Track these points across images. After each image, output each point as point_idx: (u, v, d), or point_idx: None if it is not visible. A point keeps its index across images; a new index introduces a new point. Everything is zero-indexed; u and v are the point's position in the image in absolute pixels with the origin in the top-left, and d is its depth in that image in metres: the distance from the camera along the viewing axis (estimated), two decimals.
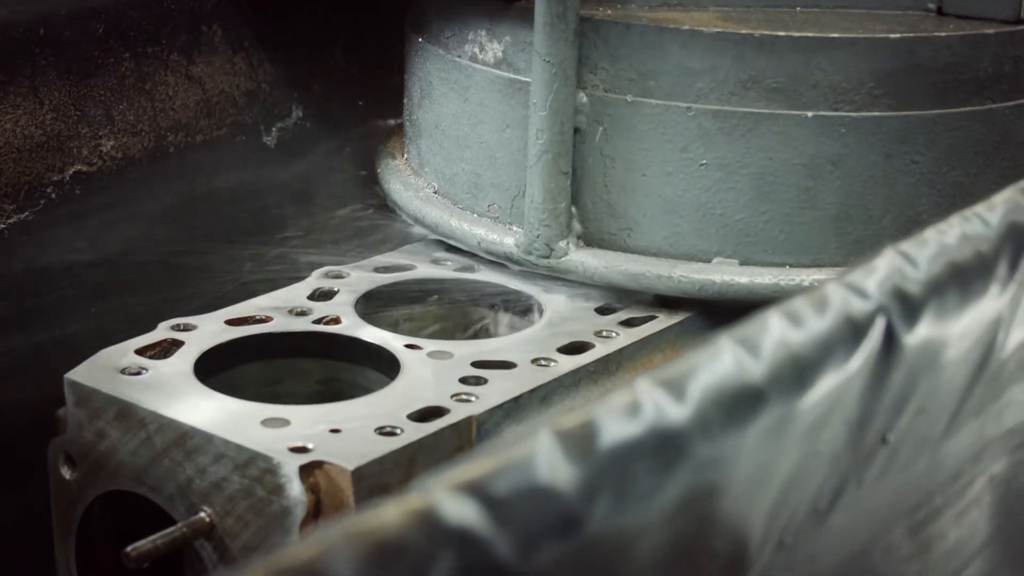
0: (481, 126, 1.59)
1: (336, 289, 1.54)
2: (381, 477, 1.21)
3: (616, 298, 1.55)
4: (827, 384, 0.85)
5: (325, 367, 1.46)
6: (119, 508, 1.35)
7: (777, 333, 0.83)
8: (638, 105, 1.49)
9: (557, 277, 1.56)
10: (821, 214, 1.50)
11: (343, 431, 1.24)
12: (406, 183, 1.70)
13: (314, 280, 1.56)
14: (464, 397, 1.32)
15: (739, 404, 0.78)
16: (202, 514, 1.26)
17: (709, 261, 1.52)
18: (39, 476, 1.37)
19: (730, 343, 0.80)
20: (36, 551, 1.42)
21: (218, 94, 1.75)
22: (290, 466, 1.20)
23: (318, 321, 1.47)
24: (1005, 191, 1.07)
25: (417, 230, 1.68)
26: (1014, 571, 1.25)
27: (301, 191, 1.82)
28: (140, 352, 1.38)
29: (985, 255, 1.01)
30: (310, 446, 1.21)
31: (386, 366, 1.40)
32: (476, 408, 1.30)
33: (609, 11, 1.52)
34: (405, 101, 1.74)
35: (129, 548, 1.21)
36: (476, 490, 0.65)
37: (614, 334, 1.47)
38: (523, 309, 1.57)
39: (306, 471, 1.19)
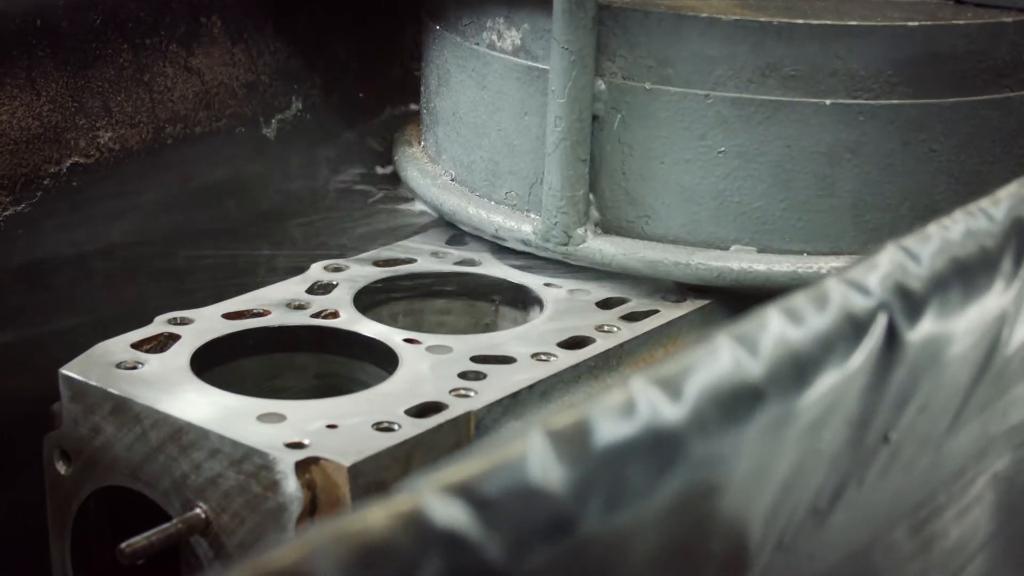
0: (499, 114, 1.59)
1: (335, 282, 1.52)
2: (378, 473, 1.20)
3: (619, 290, 1.54)
4: (827, 382, 0.84)
5: (323, 361, 1.45)
6: (115, 503, 1.33)
7: (776, 331, 0.81)
8: (656, 92, 1.50)
9: (567, 266, 1.56)
10: (839, 202, 1.51)
11: (340, 427, 1.23)
12: (423, 170, 1.70)
13: (313, 273, 1.54)
14: (463, 392, 1.31)
15: (737, 403, 0.77)
16: (197, 510, 1.25)
17: (727, 249, 1.52)
18: (34, 471, 1.35)
19: (728, 341, 0.79)
20: (31, 547, 1.40)
21: (217, 86, 1.74)
22: (286, 462, 1.18)
23: (316, 315, 1.46)
24: (1010, 185, 1.06)
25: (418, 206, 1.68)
26: (1016, 569, 1.24)
27: (302, 185, 1.80)
28: (136, 346, 1.37)
29: (989, 250, 1.00)
30: (306, 442, 1.20)
31: (384, 360, 1.39)
32: (475, 404, 1.29)
33: None
34: (422, 89, 1.74)
35: (123, 544, 1.20)
36: (465, 491, 0.63)
37: (615, 329, 1.46)
38: (524, 303, 1.56)
39: (302, 467, 1.18)
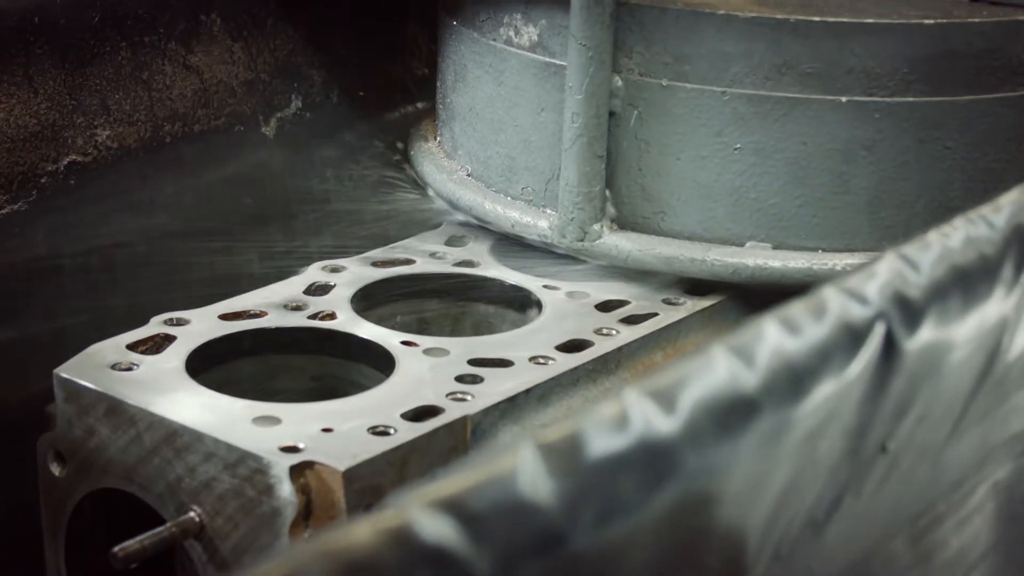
0: (516, 109, 1.60)
1: (333, 283, 1.51)
2: (373, 478, 1.19)
3: (618, 292, 1.53)
4: (824, 392, 0.83)
5: (320, 363, 1.44)
6: (110, 506, 1.33)
7: (772, 341, 0.80)
8: (673, 89, 1.50)
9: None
10: (854, 199, 1.51)
11: (335, 430, 1.22)
12: (439, 166, 1.71)
13: (311, 274, 1.53)
14: (460, 396, 1.30)
15: (731, 415, 0.76)
16: (192, 514, 1.24)
17: (742, 245, 1.53)
18: (30, 472, 1.35)
19: (724, 352, 0.78)
20: (26, 549, 1.40)
21: (216, 84, 1.73)
22: (280, 466, 1.17)
23: (314, 316, 1.45)
24: (1011, 192, 1.05)
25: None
26: None
27: (300, 183, 1.80)
28: (131, 347, 1.36)
29: (989, 258, 0.99)
30: (301, 445, 1.19)
31: (381, 363, 1.38)
32: (471, 408, 1.28)
33: None
34: (438, 84, 1.75)
35: (116, 548, 1.19)
36: (453, 506, 0.62)
37: (614, 331, 1.45)
38: (523, 305, 1.55)
39: (296, 471, 1.17)
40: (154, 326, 1.40)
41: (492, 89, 1.62)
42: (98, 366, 1.32)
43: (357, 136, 1.85)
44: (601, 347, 1.41)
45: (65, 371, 1.31)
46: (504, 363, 1.36)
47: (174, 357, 1.34)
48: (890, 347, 0.88)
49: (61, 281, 1.58)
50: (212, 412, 1.25)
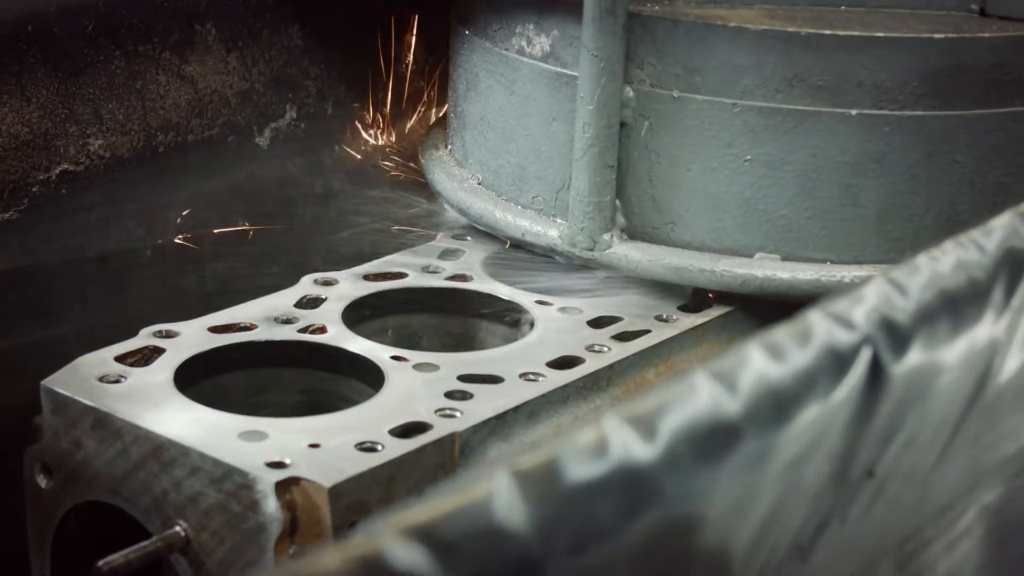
0: (527, 119, 1.61)
1: (324, 297, 1.51)
2: (359, 495, 1.18)
3: (612, 308, 1.52)
4: (808, 418, 0.82)
5: (309, 377, 1.43)
6: (97, 518, 1.32)
7: (756, 367, 0.79)
8: (684, 101, 1.51)
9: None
10: (863, 211, 1.52)
11: (322, 446, 1.21)
12: (450, 174, 1.72)
13: (302, 287, 1.53)
14: (448, 412, 1.29)
15: (713, 442, 0.75)
16: (177, 528, 1.23)
17: (751, 256, 1.54)
18: (17, 483, 1.34)
19: (706, 378, 0.77)
20: (11, 560, 1.39)
21: (210, 94, 1.72)
22: (266, 482, 1.17)
23: (303, 330, 1.44)
24: (1003, 215, 1.04)
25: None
26: None
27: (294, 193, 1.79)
28: (120, 359, 1.35)
29: (979, 282, 0.98)
30: (287, 461, 1.19)
31: (371, 377, 1.37)
32: (460, 424, 1.27)
33: (657, 7, 1.54)
34: (450, 93, 1.76)
35: (101, 562, 1.18)
36: (426, 534, 0.62)
37: (606, 348, 1.44)
38: (515, 320, 1.54)
39: (282, 487, 1.16)
40: (143, 338, 1.39)
41: (503, 98, 1.63)
42: (86, 378, 1.31)
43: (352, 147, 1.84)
44: (592, 364, 1.41)
45: (52, 383, 1.30)
46: (494, 379, 1.36)
47: (162, 370, 1.34)
48: (876, 372, 0.88)
49: (51, 291, 1.57)
50: (199, 426, 1.25)
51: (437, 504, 0.63)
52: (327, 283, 1.54)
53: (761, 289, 1.52)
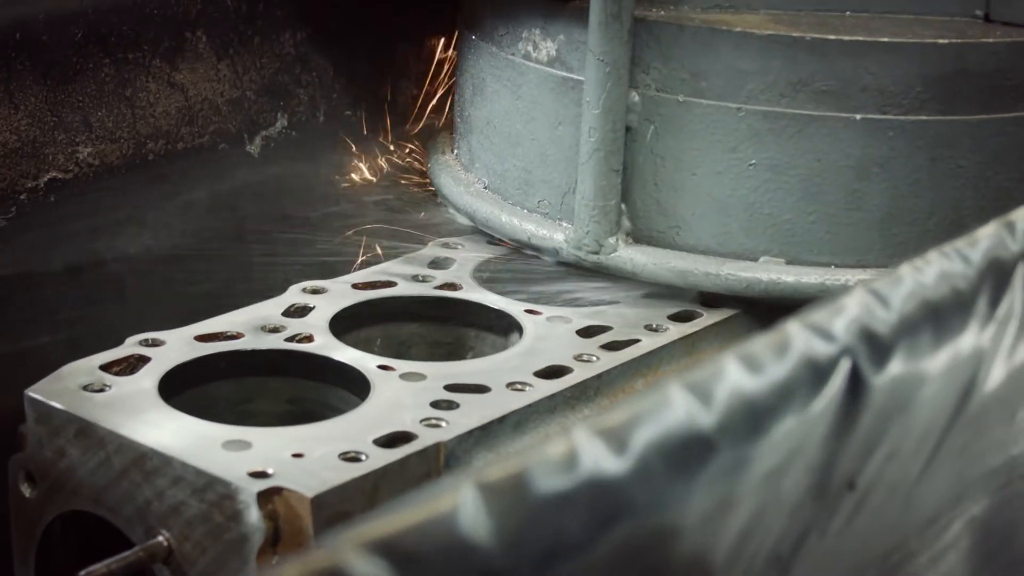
0: (533, 123, 1.62)
1: (312, 305, 1.50)
2: (342, 505, 1.17)
3: (601, 318, 1.52)
4: (785, 430, 0.81)
5: (296, 386, 1.43)
6: (82, 528, 1.31)
7: (732, 379, 0.79)
8: (689, 105, 1.53)
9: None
10: (867, 215, 1.53)
11: (305, 456, 1.21)
12: (456, 178, 1.73)
13: (290, 295, 1.52)
14: (434, 422, 1.28)
15: (686, 454, 0.74)
16: (160, 538, 1.22)
17: (756, 260, 1.55)
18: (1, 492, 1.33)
19: (680, 390, 0.76)
20: None
21: (201, 101, 1.72)
22: (248, 492, 1.16)
23: (291, 339, 1.43)
24: (989, 225, 1.04)
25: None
26: None
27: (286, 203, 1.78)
28: (105, 368, 1.34)
29: (963, 293, 0.97)
30: (270, 471, 1.18)
31: (357, 387, 1.36)
32: (445, 434, 1.26)
33: (662, 12, 1.55)
34: (456, 97, 1.77)
35: (82, 573, 1.18)
36: (388, 548, 0.61)
37: (594, 358, 1.43)
38: (504, 329, 1.53)
39: (264, 497, 1.16)
40: (129, 347, 1.38)
41: (510, 103, 1.64)
42: (70, 387, 1.30)
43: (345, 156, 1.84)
44: (580, 374, 1.40)
45: (36, 391, 1.30)
46: (481, 389, 1.35)
47: (147, 379, 1.33)
48: (856, 384, 0.87)
49: (39, 299, 1.56)
50: (182, 435, 1.24)
51: (400, 517, 0.63)
52: (316, 291, 1.53)
53: (766, 293, 1.52)
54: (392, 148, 1.90)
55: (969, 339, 0.98)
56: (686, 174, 1.54)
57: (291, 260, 1.69)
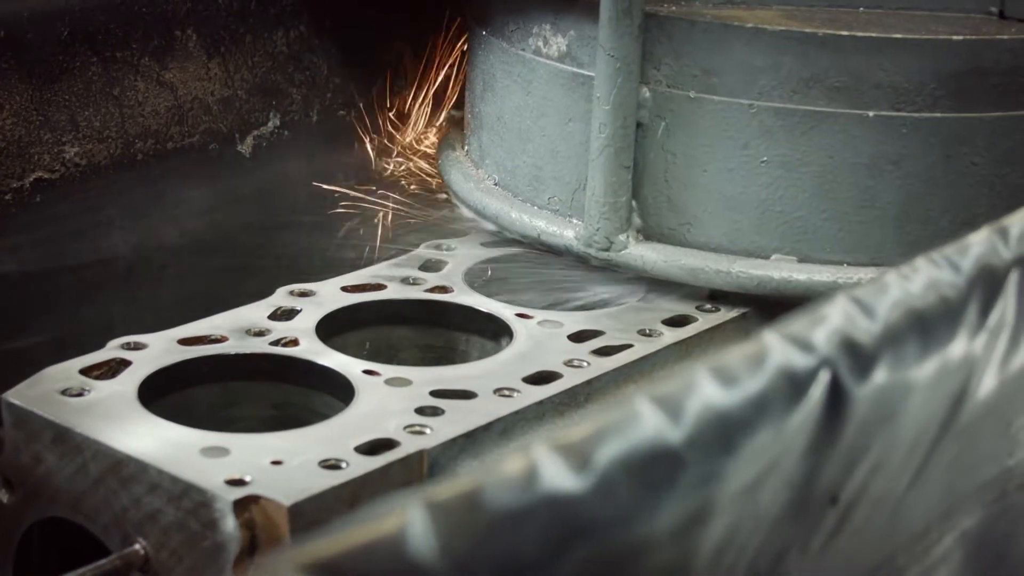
0: (544, 119, 1.61)
1: (299, 308, 1.47)
2: (321, 514, 1.15)
3: (595, 322, 1.49)
4: (760, 443, 0.79)
5: (281, 391, 1.40)
6: (63, 534, 1.29)
7: (704, 393, 0.76)
8: (701, 101, 1.51)
9: (612, 271, 1.57)
10: (880, 213, 1.52)
11: (284, 463, 1.18)
12: (467, 174, 1.72)
13: (277, 298, 1.49)
14: (418, 429, 1.26)
15: (652, 471, 0.71)
16: (137, 546, 1.20)
17: (767, 258, 1.53)
18: None
19: (649, 405, 0.73)
20: None
21: (191, 100, 1.69)
22: (224, 500, 1.14)
23: (275, 343, 1.41)
24: (981, 231, 1.01)
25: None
26: None
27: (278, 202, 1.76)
28: (85, 372, 1.32)
29: (951, 301, 0.95)
30: (247, 479, 1.16)
31: (342, 392, 1.34)
32: (429, 442, 1.24)
33: (673, 8, 1.54)
34: (467, 94, 1.76)
35: None
36: (330, 571, 0.58)
37: (585, 363, 1.40)
38: (495, 333, 1.51)
39: (241, 506, 1.13)
40: (110, 350, 1.36)
41: (520, 99, 1.63)
42: (48, 391, 1.28)
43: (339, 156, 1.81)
44: (570, 379, 1.37)
45: (13, 396, 1.27)
46: (467, 395, 1.32)
47: (127, 383, 1.31)
48: (837, 395, 0.84)
49: (23, 301, 1.54)
50: (159, 442, 1.22)
51: (344, 537, 0.60)
52: (303, 294, 1.51)
53: (777, 291, 1.51)
54: (392, 146, 1.88)
55: (958, 348, 0.96)
56: (697, 171, 1.53)
57: (282, 262, 1.67)
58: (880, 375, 0.88)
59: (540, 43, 1.60)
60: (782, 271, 1.52)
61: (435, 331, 1.55)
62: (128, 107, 1.63)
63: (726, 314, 1.54)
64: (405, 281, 1.57)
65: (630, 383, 1.42)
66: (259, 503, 1.14)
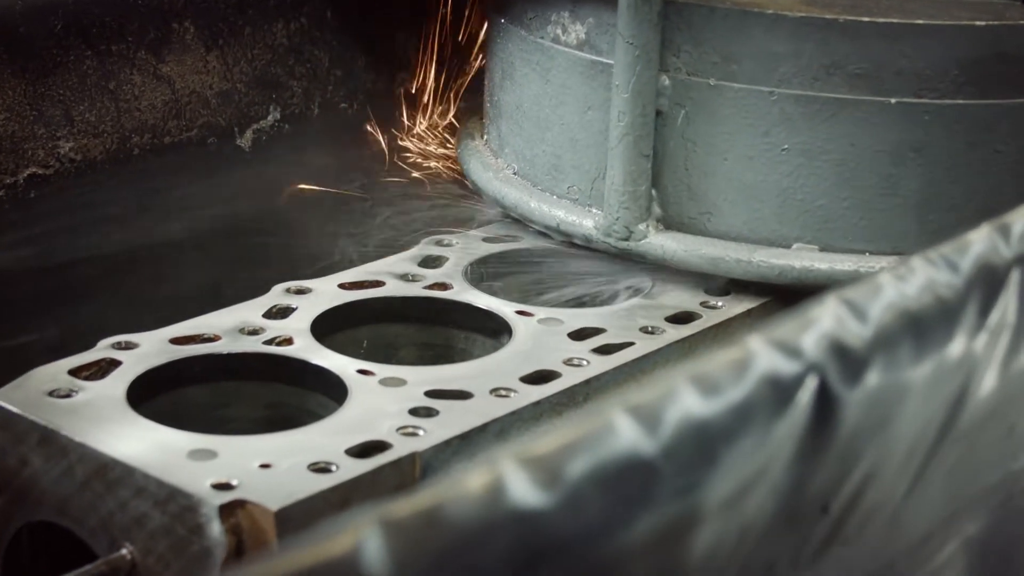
0: (563, 108, 1.60)
1: (294, 306, 1.45)
2: (309, 518, 1.12)
3: (596, 320, 1.46)
4: (743, 453, 0.76)
5: (274, 391, 1.38)
6: (52, 537, 1.27)
7: (683, 404, 0.73)
8: (721, 89, 1.50)
9: (632, 261, 1.56)
10: (902, 201, 1.51)
11: (273, 466, 1.16)
12: (486, 164, 1.71)
13: (273, 296, 1.46)
14: (411, 431, 1.23)
15: (625, 485, 0.69)
16: (123, 551, 1.18)
17: (788, 247, 1.53)
18: None
19: (625, 416, 0.71)
20: None
21: (189, 94, 1.67)
22: (210, 504, 1.11)
23: (269, 342, 1.38)
24: (980, 229, 0.98)
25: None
26: None
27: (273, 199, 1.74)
28: (75, 372, 1.30)
29: (948, 302, 0.92)
30: (234, 483, 1.13)
31: (335, 392, 1.31)
32: (421, 444, 1.21)
33: None
34: (486, 83, 1.75)
35: None
36: None
37: (584, 362, 1.37)
38: (494, 330, 1.48)
39: (227, 510, 1.11)
40: (101, 350, 1.33)
41: (539, 87, 1.62)
42: (35, 392, 1.26)
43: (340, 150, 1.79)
44: (568, 379, 1.34)
45: (0, 397, 1.25)
46: (463, 395, 1.30)
47: (116, 384, 1.28)
48: (825, 402, 0.81)
49: (16, 298, 1.52)
50: (147, 444, 1.19)
51: (294, 557, 0.58)
52: (300, 292, 1.48)
53: (798, 280, 1.50)
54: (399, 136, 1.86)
55: (956, 350, 0.93)
56: (717, 159, 1.52)
57: (283, 257, 1.65)
58: (872, 380, 0.85)
59: (559, 31, 1.59)
60: (803, 260, 1.50)
61: (434, 329, 1.52)
62: (124, 101, 1.60)
63: (731, 310, 1.51)
64: (404, 278, 1.54)
65: (631, 382, 1.39)
66: (245, 508, 1.11)
